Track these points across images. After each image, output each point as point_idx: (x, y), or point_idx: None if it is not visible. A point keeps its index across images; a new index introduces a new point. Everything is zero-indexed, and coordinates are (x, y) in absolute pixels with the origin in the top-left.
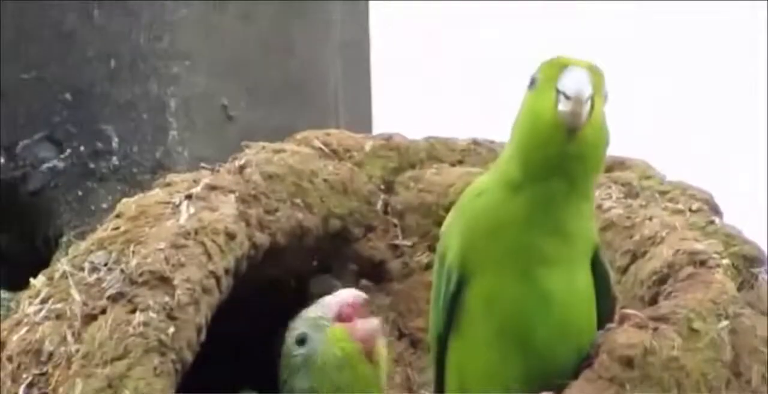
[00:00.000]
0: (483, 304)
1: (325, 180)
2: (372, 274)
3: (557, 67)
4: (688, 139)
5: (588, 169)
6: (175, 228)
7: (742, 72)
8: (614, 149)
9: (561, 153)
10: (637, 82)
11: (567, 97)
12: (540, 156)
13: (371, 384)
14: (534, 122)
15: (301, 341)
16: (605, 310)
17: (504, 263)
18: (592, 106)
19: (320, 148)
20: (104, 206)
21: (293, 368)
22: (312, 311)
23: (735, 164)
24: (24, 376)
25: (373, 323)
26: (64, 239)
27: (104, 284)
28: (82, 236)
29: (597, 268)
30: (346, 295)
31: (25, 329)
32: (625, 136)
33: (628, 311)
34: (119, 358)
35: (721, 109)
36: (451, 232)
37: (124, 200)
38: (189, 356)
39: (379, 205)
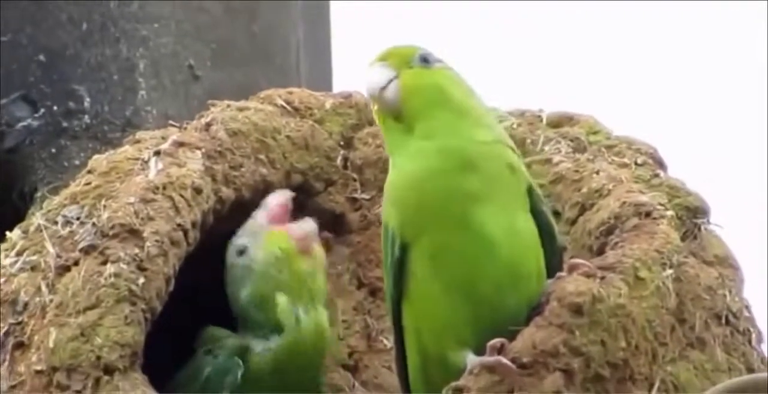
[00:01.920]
0: (428, 261)
1: (287, 137)
2: (332, 226)
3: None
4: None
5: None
6: (144, 183)
7: (741, 71)
8: None
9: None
10: (635, 79)
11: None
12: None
13: (309, 283)
14: None
15: (241, 251)
16: (554, 261)
17: (438, 214)
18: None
19: (282, 106)
20: (77, 162)
21: (237, 280)
22: (246, 225)
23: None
24: (0, 325)
25: (309, 223)
26: (39, 194)
27: (77, 237)
28: (55, 191)
29: (538, 217)
30: (273, 198)
31: (1, 280)
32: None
33: (577, 260)
34: (91, 307)
35: (723, 110)
36: (387, 204)
37: (96, 157)
38: (158, 306)
39: (339, 160)
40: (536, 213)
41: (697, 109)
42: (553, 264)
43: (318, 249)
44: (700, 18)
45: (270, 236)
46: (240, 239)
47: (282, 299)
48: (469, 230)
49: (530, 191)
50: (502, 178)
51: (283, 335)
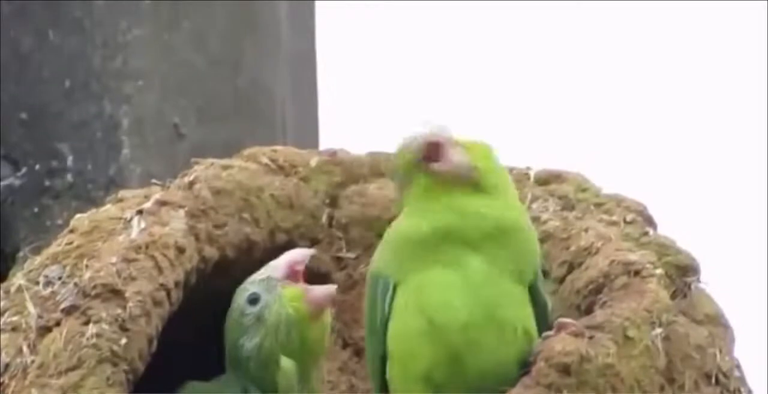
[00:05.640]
0: (412, 299)
1: (271, 195)
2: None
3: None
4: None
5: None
6: (126, 242)
7: (741, 71)
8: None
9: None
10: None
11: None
12: None
13: (317, 347)
14: None
15: (254, 300)
16: (541, 321)
17: (431, 252)
18: None
19: (267, 164)
20: (59, 221)
21: (244, 328)
22: (261, 274)
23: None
24: None
25: (331, 289)
26: (21, 254)
27: (58, 297)
28: (37, 251)
29: (535, 297)
30: (293, 254)
31: None
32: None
33: (565, 319)
34: (73, 368)
35: (723, 110)
36: (381, 256)
37: (78, 216)
38: (140, 366)
39: (324, 218)
40: (533, 294)
41: (698, 109)
42: (541, 326)
43: (328, 314)
44: (700, 18)
45: (286, 293)
46: (253, 287)
47: (287, 365)
48: (455, 268)
49: (533, 283)
50: (512, 250)
51: None
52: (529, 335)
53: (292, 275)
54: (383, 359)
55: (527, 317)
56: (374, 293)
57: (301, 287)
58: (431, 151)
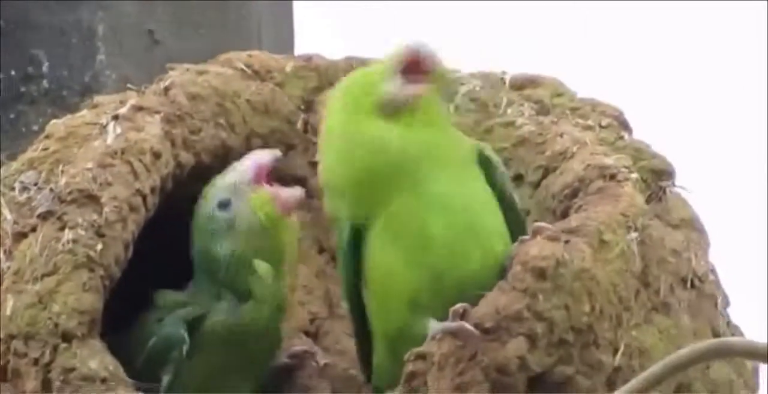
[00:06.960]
0: (385, 235)
1: (247, 100)
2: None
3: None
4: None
5: None
6: (102, 148)
7: (741, 71)
8: None
9: None
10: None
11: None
12: None
13: (288, 251)
14: None
15: (224, 205)
16: (517, 227)
17: (388, 184)
18: None
19: (242, 70)
20: (35, 127)
21: (214, 233)
22: (229, 177)
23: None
24: None
25: (297, 192)
26: None
27: (34, 203)
28: (13, 157)
29: (495, 185)
30: (259, 156)
31: None
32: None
33: (541, 224)
34: (49, 274)
35: (723, 110)
36: (328, 201)
37: (53, 121)
38: (117, 272)
39: (300, 124)
40: (493, 182)
41: (697, 109)
42: (517, 231)
43: (294, 217)
44: (700, 18)
45: (256, 198)
46: (221, 192)
47: (263, 270)
48: (420, 192)
49: (483, 159)
50: (446, 145)
51: (249, 303)
52: (505, 239)
53: (260, 177)
54: (354, 284)
55: (499, 219)
56: (338, 237)
57: (269, 191)
58: (413, 64)
